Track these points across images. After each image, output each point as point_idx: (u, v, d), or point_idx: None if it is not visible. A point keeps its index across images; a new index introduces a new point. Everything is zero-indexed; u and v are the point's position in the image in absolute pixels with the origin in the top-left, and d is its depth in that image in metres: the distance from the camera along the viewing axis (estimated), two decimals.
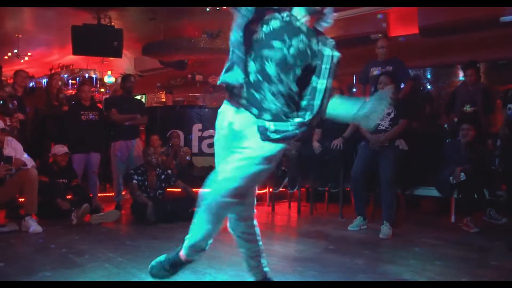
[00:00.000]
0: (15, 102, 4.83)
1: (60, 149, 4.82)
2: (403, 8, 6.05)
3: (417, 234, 4.00)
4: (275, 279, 2.49)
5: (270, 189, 5.74)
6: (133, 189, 4.59)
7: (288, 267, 2.86)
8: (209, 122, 6.36)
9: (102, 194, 5.83)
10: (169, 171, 4.92)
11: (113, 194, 5.48)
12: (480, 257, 3.25)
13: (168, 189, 4.92)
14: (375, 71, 5.09)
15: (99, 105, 5.98)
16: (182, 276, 2.52)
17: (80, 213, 4.23)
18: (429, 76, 7.47)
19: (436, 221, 4.78)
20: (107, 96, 7.82)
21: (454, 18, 5.79)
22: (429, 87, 7.50)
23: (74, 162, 5.03)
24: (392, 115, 4.15)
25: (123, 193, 5.45)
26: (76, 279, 2.45)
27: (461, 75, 6.68)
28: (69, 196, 4.80)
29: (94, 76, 9.46)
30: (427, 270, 2.77)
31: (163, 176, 4.78)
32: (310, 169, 5.03)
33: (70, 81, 9.51)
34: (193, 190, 4.85)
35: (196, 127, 6.32)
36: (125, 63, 8.98)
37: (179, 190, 4.96)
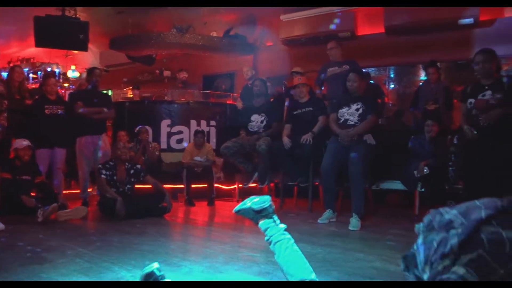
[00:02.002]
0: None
1: (21, 143, 4.65)
2: (370, 8, 6.22)
3: (385, 225, 4.13)
4: (249, 270, 2.52)
5: (240, 185, 5.77)
6: (102, 184, 4.49)
7: (262, 258, 2.89)
8: (178, 117, 6.32)
9: (67, 191, 5.67)
10: (138, 166, 4.85)
11: (78, 191, 5.35)
12: None
13: (137, 185, 4.85)
14: (333, 71, 5.26)
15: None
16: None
17: (48, 212, 4.10)
18: (392, 75, 7.70)
19: (401, 213, 4.96)
20: (72, 91, 7.59)
21: (417, 19, 6.02)
22: (392, 86, 7.74)
23: (38, 157, 4.87)
24: (361, 111, 4.26)
25: (89, 190, 5.32)
26: (47, 275, 2.38)
27: (422, 75, 6.94)
28: (33, 193, 4.65)
29: (57, 70, 9.15)
30: (397, 258, 2.86)
31: (132, 171, 4.71)
32: (280, 164, 5.08)
33: (31, 75, 9.15)
34: (163, 186, 4.82)
35: (165, 122, 6.25)
36: (90, 57, 8.75)
37: (149, 186, 4.91)
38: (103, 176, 4.52)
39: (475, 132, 3.58)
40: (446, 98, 5.47)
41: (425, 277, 1.48)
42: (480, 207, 1.45)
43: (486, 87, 3.56)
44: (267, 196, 2.17)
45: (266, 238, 2.10)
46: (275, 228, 2.09)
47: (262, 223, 2.12)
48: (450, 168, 4.59)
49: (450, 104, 5.52)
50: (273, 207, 2.15)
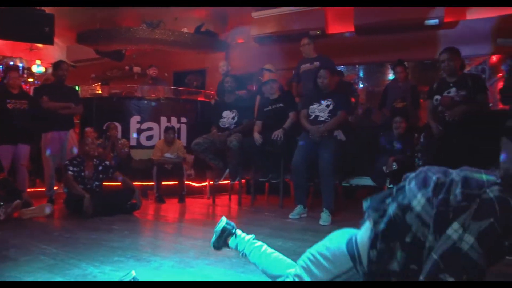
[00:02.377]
0: None
1: None
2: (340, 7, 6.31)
3: (355, 220, 4.15)
4: (221, 264, 2.51)
5: (210, 182, 5.74)
6: (69, 181, 4.36)
7: (233, 252, 2.88)
8: (148, 114, 6.22)
9: (32, 190, 5.48)
10: (107, 163, 4.74)
11: (43, 189, 5.17)
12: None
13: (106, 182, 4.75)
14: (305, 68, 5.33)
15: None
16: (127, 263, 2.46)
17: (11, 209, 3.94)
18: (361, 73, 7.85)
19: None
20: (36, 86, 7.33)
21: (385, 19, 6.15)
22: (361, 85, 7.89)
23: (0, 154, 4.68)
24: (331, 107, 4.31)
25: (55, 188, 5.16)
26: (10, 273, 2.29)
27: (390, 74, 7.10)
28: None
29: (20, 64, 8.82)
30: None
31: (100, 168, 4.60)
32: (251, 160, 5.08)
33: None
34: (133, 183, 4.74)
35: (135, 119, 6.14)
36: (56, 52, 8.48)
37: (118, 183, 4.81)
38: (70, 172, 4.39)
39: (441, 128, 3.69)
40: (413, 96, 5.63)
41: (418, 208, 1.30)
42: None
43: (451, 84, 3.67)
44: (221, 218, 2.20)
45: (240, 254, 2.09)
46: (242, 242, 2.09)
47: (230, 243, 2.14)
48: (417, 165, 4.73)
49: (417, 102, 5.69)
50: (232, 224, 2.18)
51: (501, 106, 4.36)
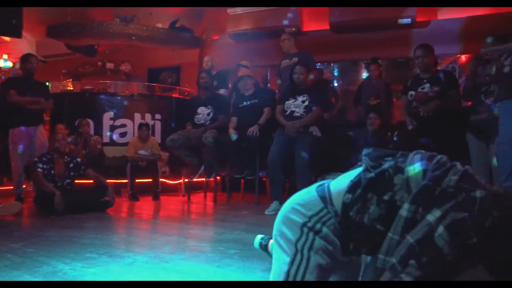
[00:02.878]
0: None
1: None
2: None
3: None
4: (196, 259, 2.47)
5: (185, 179, 5.68)
6: (38, 178, 4.23)
7: (209, 247, 2.86)
8: (122, 110, 6.10)
9: None
10: (78, 160, 4.62)
11: (11, 187, 5.00)
12: None
13: (78, 180, 4.62)
14: (284, 64, 5.34)
15: None
16: (99, 260, 2.40)
17: None
18: (336, 72, 7.93)
19: None
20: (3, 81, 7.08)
21: (359, 17, 6.22)
22: (336, 83, 7.97)
23: None
24: (307, 102, 4.33)
25: (24, 186, 4.99)
26: None
27: (364, 73, 7.20)
28: None
29: None
30: None
31: (71, 165, 4.47)
32: (226, 156, 5.05)
33: None
34: (106, 180, 4.63)
35: (108, 115, 6.01)
36: (25, 46, 8.19)
37: (90, 181, 4.69)
38: (39, 169, 4.26)
39: (415, 123, 3.76)
40: (386, 94, 5.72)
41: (411, 173, 1.29)
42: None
43: (425, 80, 3.75)
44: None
45: None
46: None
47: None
48: None
49: (390, 100, 5.78)
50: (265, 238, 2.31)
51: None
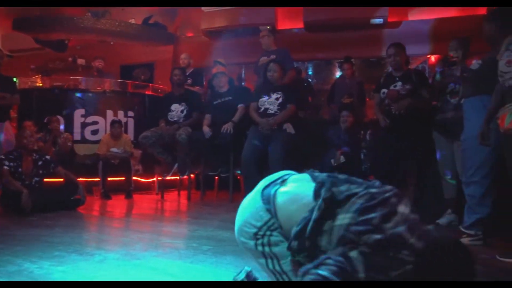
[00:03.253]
0: None
1: None
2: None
3: None
4: (169, 255, 2.45)
5: (159, 178, 5.61)
6: (4, 176, 4.09)
7: (182, 244, 2.84)
8: (93, 107, 5.98)
9: None
10: (48, 157, 4.50)
11: None
12: None
13: (47, 179, 4.50)
14: (262, 61, 5.35)
15: None
16: (69, 258, 2.35)
17: None
18: (310, 71, 8.01)
19: None
20: None
21: (333, 17, 6.30)
22: (310, 81, 8.05)
23: None
24: (281, 100, 4.35)
25: None
26: None
27: (337, 72, 7.30)
28: None
29: None
30: None
31: (40, 162, 4.35)
32: (200, 154, 5.02)
33: None
34: (77, 179, 4.53)
35: (79, 112, 5.87)
36: None
37: (60, 179, 4.58)
38: (5, 167, 4.12)
39: (388, 121, 3.83)
40: (359, 93, 5.81)
41: (337, 222, 1.34)
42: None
43: (397, 79, 3.83)
44: None
45: None
46: None
47: None
48: (363, 160, 4.89)
49: (363, 98, 5.88)
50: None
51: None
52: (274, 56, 5.08)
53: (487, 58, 2.92)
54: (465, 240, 2.89)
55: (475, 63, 3.10)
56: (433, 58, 6.85)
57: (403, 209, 1.35)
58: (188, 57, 6.13)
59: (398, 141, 3.77)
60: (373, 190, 1.38)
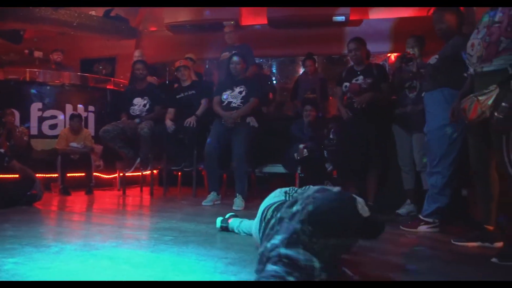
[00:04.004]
0: None
1: None
2: None
3: None
4: (128, 246, 2.40)
5: (121, 173, 5.49)
6: None
7: (144, 235, 2.79)
8: (51, 101, 5.78)
9: None
10: (2, 151, 4.31)
11: None
12: None
13: (1, 174, 4.31)
14: (224, 56, 5.36)
15: None
16: (22, 250, 2.25)
17: None
18: (274, 68, 8.07)
19: None
20: None
21: (296, 13, 6.37)
22: (274, 79, 8.11)
23: None
24: (244, 93, 4.36)
25: None
26: None
27: (301, 70, 7.38)
28: None
29: None
30: None
31: None
32: (163, 148, 4.96)
33: None
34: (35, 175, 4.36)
35: (36, 106, 5.66)
36: None
37: (16, 175, 4.39)
38: None
39: (350, 114, 3.92)
40: (322, 89, 5.91)
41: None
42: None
43: (359, 73, 3.92)
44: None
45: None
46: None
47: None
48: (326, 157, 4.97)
49: (326, 94, 5.98)
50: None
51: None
52: (236, 51, 5.10)
53: (443, 53, 3.04)
54: (423, 228, 3.01)
55: (432, 58, 3.23)
56: (392, 56, 7.05)
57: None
58: (141, 54, 6.03)
59: (360, 134, 3.86)
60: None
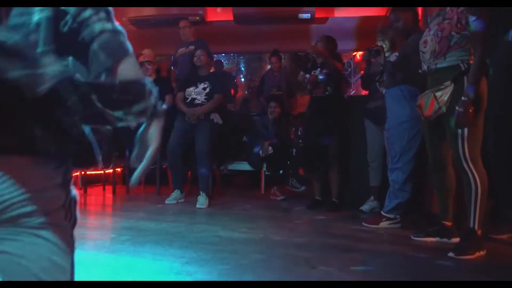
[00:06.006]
0: None
1: None
2: None
3: (231, 203, 4.25)
4: (82, 247, 2.30)
5: (82, 172, 5.30)
6: None
7: (100, 235, 2.69)
8: None
9: None
10: None
11: None
12: (285, 215, 3.66)
13: None
14: (181, 52, 5.28)
15: None
16: None
17: None
18: (241, 65, 8.02)
19: (248, 193, 5.16)
20: None
21: (262, 9, 6.33)
22: (242, 76, 8.06)
23: None
24: (208, 90, 4.28)
25: None
26: None
27: (268, 66, 7.36)
28: None
29: None
30: (241, 227, 2.95)
31: None
32: (126, 145, 4.82)
33: None
34: None
35: None
36: None
37: None
38: None
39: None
40: (288, 86, 5.90)
41: None
42: None
43: (318, 65, 3.95)
44: None
45: None
46: None
47: None
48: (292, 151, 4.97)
49: (291, 91, 5.97)
50: None
51: (363, 92, 4.81)
52: (193, 46, 5.02)
53: (402, 50, 3.08)
54: (384, 224, 3.04)
55: (393, 55, 3.25)
56: (358, 55, 7.14)
57: None
58: None
59: (317, 127, 3.88)
60: None
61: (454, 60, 2.38)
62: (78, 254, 2.11)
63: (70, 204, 0.94)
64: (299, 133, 5.44)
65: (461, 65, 2.35)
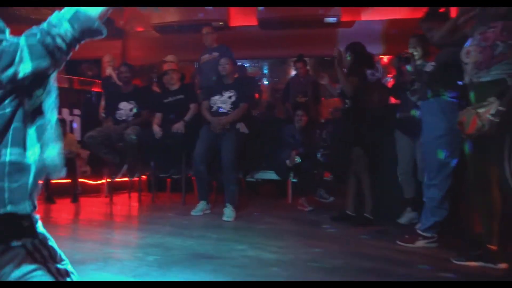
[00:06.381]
0: None
1: None
2: None
3: (259, 215, 4.16)
4: (109, 269, 2.24)
5: (108, 179, 5.32)
6: None
7: (128, 254, 2.63)
8: None
9: None
10: None
11: None
12: (314, 230, 3.54)
13: None
14: (204, 59, 5.21)
15: None
16: None
17: None
18: (265, 69, 7.94)
19: (275, 203, 5.06)
20: None
21: (287, 14, 6.23)
22: (266, 81, 7.98)
23: None
24: (233, 98, 4.20)
25: None
26: None
27: (292, 71, 7.25)
28: None
29: None
30: (270, 245, 2.85)
31: None
32: (151, 155, 4.79)
33: None
34: None
35: None
36: None
37: None
38: None
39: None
40: (314, 92, 5.76)
41: None
42: None
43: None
44: None
45: None
46: None
47: None
48: (320, 158, 4.84)
49: (317, 98, 5.83)
50: None
51: (393, 100, 4.64)
52: (217, 53, 4.95)
53: (438, 59, 2.92)
54: (421, 243, 2.87)
55: (428, 65, 3.09)
56: (385, 58, 6.94)
57: None
58: (111, 59, 5.80)
59: (344, 136, 3.76)
60: None
61: (499, 74, 2.22)
62: (104, 277, 2.05)
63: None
64: (323, 136, 5.32)
65: (508, 79, 2.18)
